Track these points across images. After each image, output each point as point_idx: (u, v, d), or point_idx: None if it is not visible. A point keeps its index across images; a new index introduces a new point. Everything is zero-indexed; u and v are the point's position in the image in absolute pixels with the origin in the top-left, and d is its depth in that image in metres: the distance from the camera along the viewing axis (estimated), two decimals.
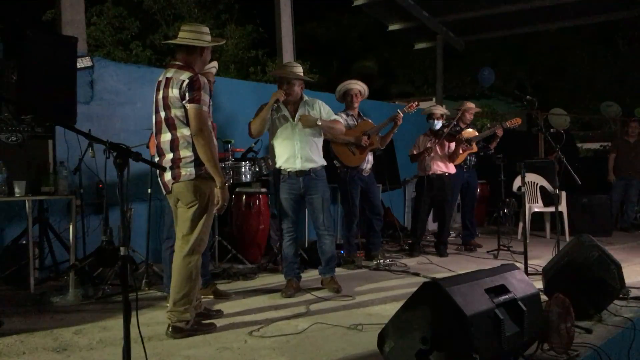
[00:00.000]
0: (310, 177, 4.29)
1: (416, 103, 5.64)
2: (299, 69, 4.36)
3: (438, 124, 5.97)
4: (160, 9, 16.14)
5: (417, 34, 11.30)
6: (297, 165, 4.25)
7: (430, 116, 6.04)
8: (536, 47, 19.65)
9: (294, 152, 4.25)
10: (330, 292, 4.30)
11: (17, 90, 4.18)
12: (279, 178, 4.36)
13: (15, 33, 4.24)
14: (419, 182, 6.13)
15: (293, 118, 4.27)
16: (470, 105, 6.49)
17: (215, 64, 4.16)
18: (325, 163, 4.47)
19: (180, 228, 3.27)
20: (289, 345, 3.04)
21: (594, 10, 10.03)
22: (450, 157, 6.11)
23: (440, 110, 6.07)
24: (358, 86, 5.47)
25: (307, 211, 5.06)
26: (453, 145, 6.03)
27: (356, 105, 5.51)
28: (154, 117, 3.32)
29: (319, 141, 4.43)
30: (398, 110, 5.50)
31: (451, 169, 6.07)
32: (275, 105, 4.22)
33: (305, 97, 4.38)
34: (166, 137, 3.23)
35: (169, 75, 3.23)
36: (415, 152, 6.10)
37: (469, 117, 6.43)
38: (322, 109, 4.38)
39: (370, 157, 5.55)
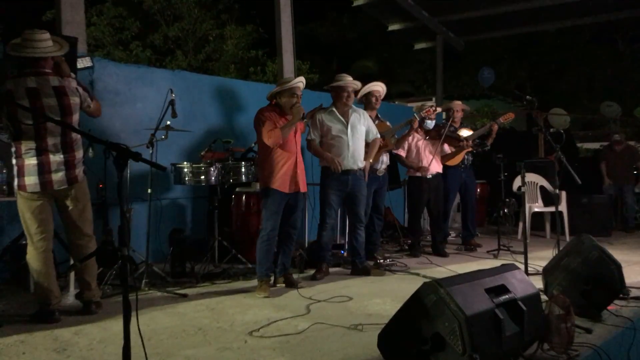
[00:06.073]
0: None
1: (434, 108, 5.65)
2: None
3: (431, 124, 5.96)
4: (160, 9, 16.15)
5: (417, 34, 11.31)
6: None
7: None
8: (536, 47, 19.67)
9: None
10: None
11: None
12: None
13: (15, 33, 4.24)
14: (412, 182, 6.09)
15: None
16: (458, 103, 6.49)
17: (301, 79, 4.49)
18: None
19: (85, 224, 3.69)
20: (289, 345, 3.04)
21: (594, 10, 10.04)
22: (444, 157, 6.14)
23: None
24: (380, 88, 5.49)
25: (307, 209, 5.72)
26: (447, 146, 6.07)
27: (377, 106, 5.53)
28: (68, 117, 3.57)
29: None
30: (415, 114, 5.54)
31: (440, 167, 6.10)
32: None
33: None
34: (76, 135, 3.59)
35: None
36: (403, 154, 6.04)
37: (459, 115, 6.43)
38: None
39: (385, 158, 5.56)
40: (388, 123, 5.65)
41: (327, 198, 4.85)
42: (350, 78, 4.91)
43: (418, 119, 5.53)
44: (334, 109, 4.90)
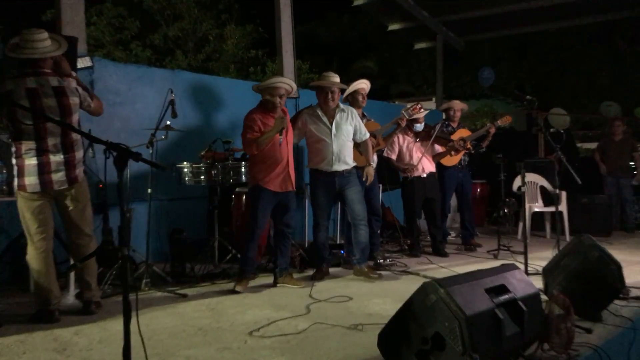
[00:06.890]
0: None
1: (419, 105, 5.64)
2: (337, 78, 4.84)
3: (420, 127, 5.96)
4: (160, 9, 16.16)
5: (417, 34, 11.30)
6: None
7: (415, 119, 5.93)
8: (536, 47, 19.67)
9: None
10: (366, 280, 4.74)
11: None
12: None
13: (15, 33, 4.24)
14: (406, 182, 6.08)
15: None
16: (457, 102, 6.50)
17: (283, 79, 4.56)
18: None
19: (86, 224, 3.70)
20: (289, 345, 3.04)
21: (594, 10, 10.03)
22: (436, 156, 6.16)
23: (422, 114, 5.93)
24: (365, 85, 5.45)
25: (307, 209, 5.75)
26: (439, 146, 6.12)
27: (364, 104, 5.50)
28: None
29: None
30: (403, 112, 5.51)
31: (434, 166, 6.12)
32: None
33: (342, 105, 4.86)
34: (77, 135, 3.60)
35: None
36: (394, 157, 6.03)
37: (457, 115, 6.44)
38: None
39: (375, 157, 5.55)
40: (373, 120, 5.62)
41: (317, 200, 4.85)
42: (335, 78, 4.81)
43: (407, 117, 5.51)
44: (318, 109, 4.84)
